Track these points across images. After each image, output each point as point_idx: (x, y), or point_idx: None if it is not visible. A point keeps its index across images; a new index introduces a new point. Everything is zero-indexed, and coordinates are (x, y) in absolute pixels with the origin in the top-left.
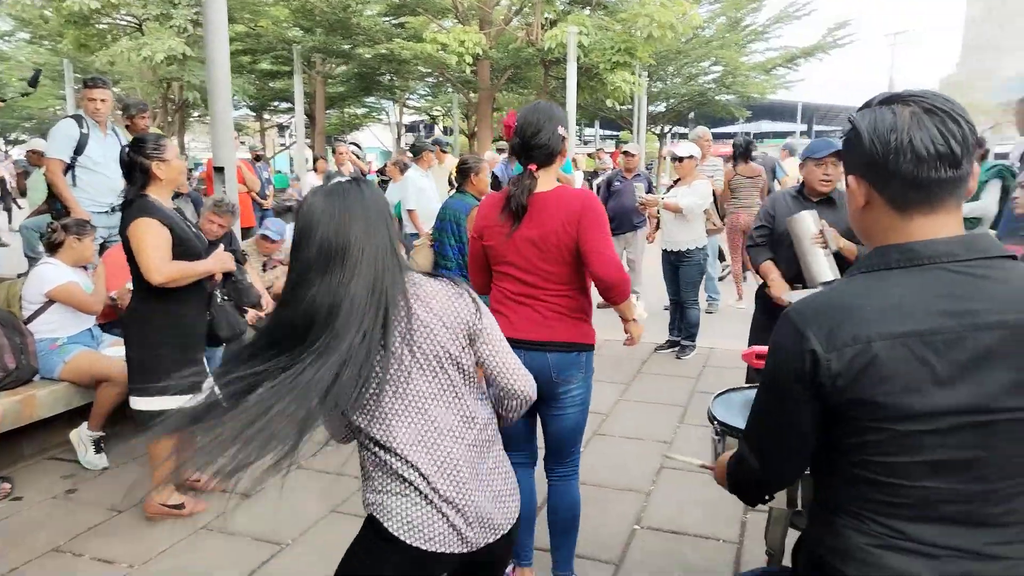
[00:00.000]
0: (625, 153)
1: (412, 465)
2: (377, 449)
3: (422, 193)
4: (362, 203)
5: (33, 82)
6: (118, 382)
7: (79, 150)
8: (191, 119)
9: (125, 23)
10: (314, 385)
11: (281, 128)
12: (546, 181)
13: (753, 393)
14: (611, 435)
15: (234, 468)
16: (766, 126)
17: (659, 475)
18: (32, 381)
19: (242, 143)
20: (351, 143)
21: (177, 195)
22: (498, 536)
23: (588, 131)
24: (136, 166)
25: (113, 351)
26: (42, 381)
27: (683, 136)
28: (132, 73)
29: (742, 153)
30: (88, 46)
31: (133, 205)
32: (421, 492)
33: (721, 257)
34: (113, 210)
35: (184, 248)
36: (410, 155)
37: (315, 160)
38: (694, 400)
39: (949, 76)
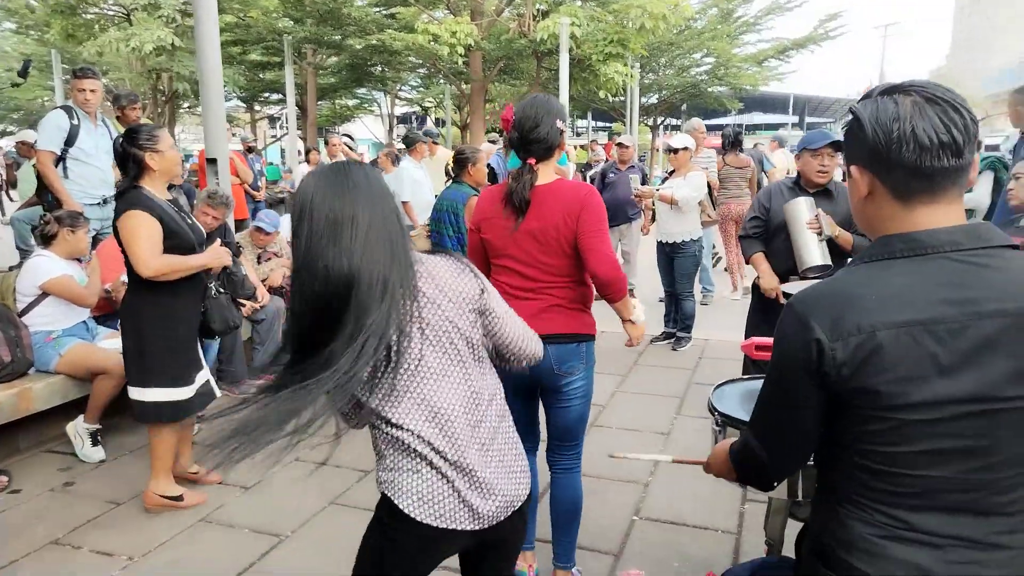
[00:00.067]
0: (619, 145)
1: (424, 440)
2: (389, 428)
3: (417, 185)
4: (363, 177)
5: (23, 73)
6: (114, 374)
7: (70, 141)
8: (181, 110)
9: (113, 13)
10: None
11: (272, 119)
12: (545, 174)
13: (752, 384)
14: (609, 427)
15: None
16: (758, 118)
17: (658, 466)
18: (28, 374)
19: (234, 135)
20: (343, 135)
21: (171, 186)
22: (509, 512)
23: (581, 123)
24: (130, 157)
25: (108, 343)
26: (38, 374)
27: (676, 128)
28: (121, 64)
29: (731, 143)
30: (75, 36)
31: (124, 197)
32: (433, 465)
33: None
34: (105, 202)
35: (176, 241)
36: (402, 146)
37: (307, 152)
38: (691, 391)
39: (939, 68)
